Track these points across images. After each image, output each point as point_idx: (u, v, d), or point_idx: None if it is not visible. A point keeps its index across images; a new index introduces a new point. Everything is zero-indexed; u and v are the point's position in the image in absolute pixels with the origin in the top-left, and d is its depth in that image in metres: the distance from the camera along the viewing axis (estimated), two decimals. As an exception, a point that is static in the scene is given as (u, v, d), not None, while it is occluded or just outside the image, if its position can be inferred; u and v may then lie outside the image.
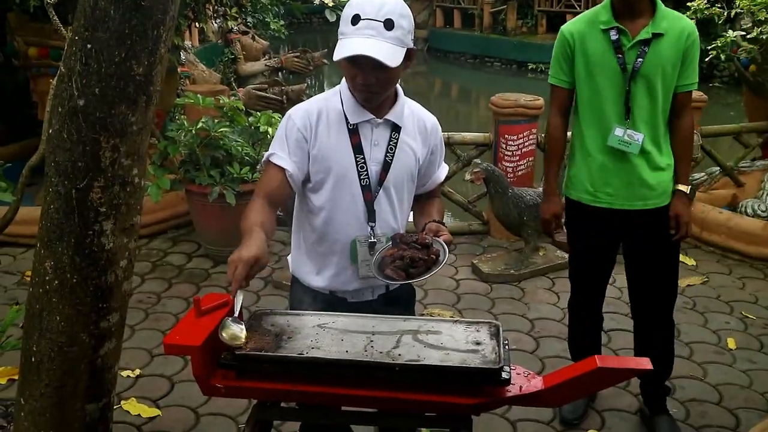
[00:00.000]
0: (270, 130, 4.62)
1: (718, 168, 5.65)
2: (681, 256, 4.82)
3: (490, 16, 17.97)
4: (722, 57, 5.60)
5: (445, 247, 1.91)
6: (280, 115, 4.92)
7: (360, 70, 1.86)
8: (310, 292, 2.14)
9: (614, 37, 2.61)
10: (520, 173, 5.02)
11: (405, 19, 1.86)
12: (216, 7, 6.03)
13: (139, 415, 3.10)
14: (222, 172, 4.48)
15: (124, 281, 1.75)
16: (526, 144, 4.98)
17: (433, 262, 1.87)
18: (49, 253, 1.64)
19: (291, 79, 13.17)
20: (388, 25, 1.81)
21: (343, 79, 2.02)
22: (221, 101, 4.75)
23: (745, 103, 6.08)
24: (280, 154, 1.96)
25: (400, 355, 1.68)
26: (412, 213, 2.24)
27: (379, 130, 2.01)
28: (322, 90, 15.92)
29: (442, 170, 2.23)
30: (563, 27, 2.80)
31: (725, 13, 5.61)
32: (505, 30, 17.62)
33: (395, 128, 2.02)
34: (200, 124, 4.46)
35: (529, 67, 16.75)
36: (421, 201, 2.22)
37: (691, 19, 5.79)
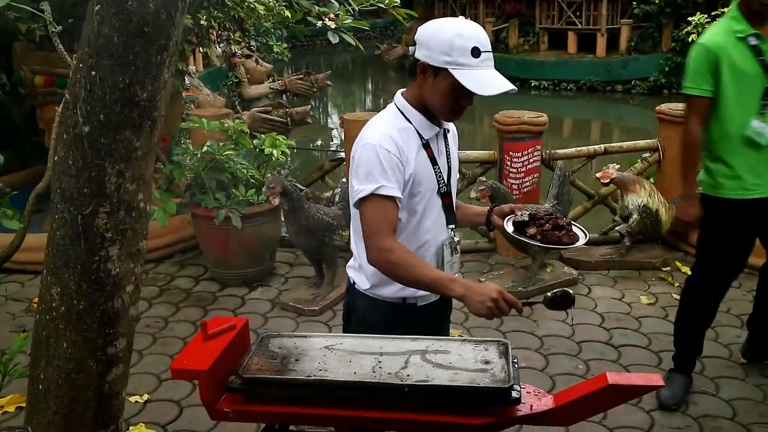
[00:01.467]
0: (275, 152, 4.64)
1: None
2: (689, 269, 4.82)
3: (492, 34, 18.06)
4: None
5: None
6: (284, 137, 4.95)
7: (468, 98, 1.98)
8: (377, 303, 2.16)
9: (753, 43, 2.93)
10: (525, 190, 5.01)
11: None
12: (219, 32, 6.08)
13: (147, 440, 3.08)
14: (228, 195, 4.49)
15: (131, 306, 1.75)
16: (531, 161, 4.98)
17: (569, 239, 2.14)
18: (56, 279, 1.64)
19: (295, 101, 13.25)
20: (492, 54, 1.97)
21: (399, 98, 2.10)
22: (226, 124, 4.77)
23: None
24: (388, 184, 1.95)
25: (408, 375, 1.67)
26: None
27: (440, 140, 2.15)
28: (326, 111, 16.04)
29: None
30: (703, 41, 3.06)
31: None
32: (507, 48, 17.71)
33: (444, 136, 2.17)
34: (205, 148, 4.48)
35: (532, 84, 16.81)
36: None
37: (692, 33, 5.84)
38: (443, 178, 2.12)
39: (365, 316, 2.20)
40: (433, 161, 2.09)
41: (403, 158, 1.99)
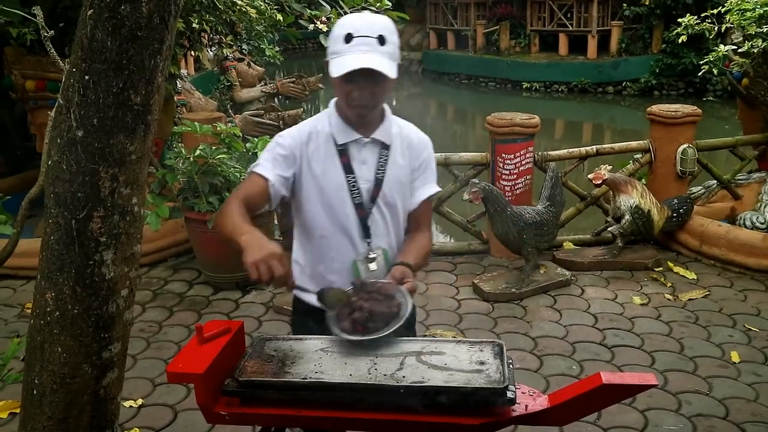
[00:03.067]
0: (268, 155, 4.64)
1: (716, 181, 5.68)
2: (682, 269, 4.85)
3: (483, 36, 18.12)
4: (715, 71, 5.64)
5: (408, 298, 1.87)
6: (277, 141, 4.94)
7: (356, 86, 1.90)
8: (312, 310, 2.12)
9: None
10: (518, 192, 5.03)
11: (394, 35, 1.93)
12: (211, 35, 6.08)
13: (142, 445, 3.07)
14: (221, 199, 4.48)
15: (126, 310, 1.74)
16: (524, 162, 5.00)
17: (394, 316, 1.83)
18: (50, 284, 1.64)
19: (287, 104, 13.26)
20: (381, 40, 1.88)
21: (331, 103, 2.07)
22: (218, 128, 4.77)
23: (739, 116, 6.12)
24: (265, 164, 1.99)
25: (404, 377, 1.67)
26: None
27: (367, 149, 2.04)
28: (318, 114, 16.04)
29: (426, 189, 2.16)
30: None
31: (716, 28, 5.65)
32: (499, 50, 17.76)
33: (384, 146, 2.06)
34: (198, 152, 4.47)
35: (524, 86, 16.87)
36: (409, 232, 2.20)
37: (682, 35, 5.87)
38: (358, 189, 2.02)
39: (295, 318, 2.19)
40: (348, 169, 2.02)
41: (298, 153, 2.01)
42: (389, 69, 1.87)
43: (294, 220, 2.16)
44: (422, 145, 2.16)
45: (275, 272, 1.70)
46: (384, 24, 1.91)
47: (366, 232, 2.05)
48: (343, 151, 2.02)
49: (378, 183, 2.04)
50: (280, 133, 2.07)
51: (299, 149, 2.01)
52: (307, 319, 2.09)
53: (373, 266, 2.06)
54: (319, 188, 2.02)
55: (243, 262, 1.71)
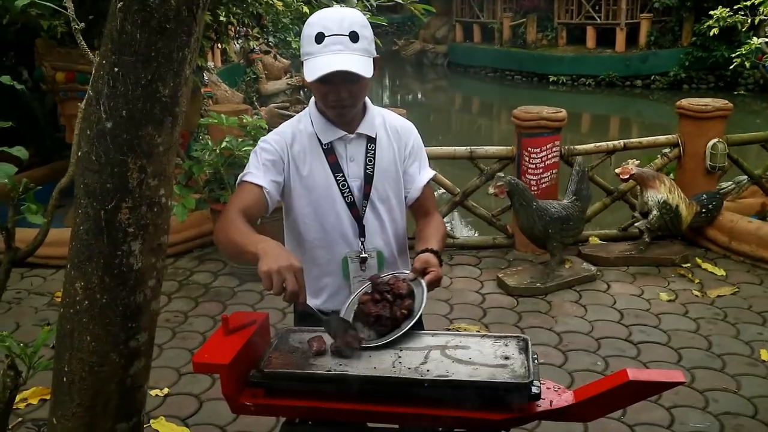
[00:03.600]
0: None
1: (746, 177, 5.58)
2: (710, 266, 4.79)
3: (510, 29, 17.99)
4: (747, 64, 5.55)
5: (424, 294, 1.83)
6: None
7: (331, 87, 1.87)
8: (311, 311, 2.12)
9: None
10: (543, 186, 4.99)
11: (366, 29, 1.88)
12: (238, 28, 6.11)
13: (168, 433, 3.11)
14: (246, 191, 4.51)
15: (153, 301, 1.76)
16: (550, 156, 4.96)
17: (404, 318, 1.80)
18: (79, 273, 1.65)
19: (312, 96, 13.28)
20: (354, 37, 1.83)
21: (311, 101, 2.04)
22: (244, 120, 4.79)
23: (772, 110, 6.02)
24: (255, 173, 1.95)
25: (428, 370, 1.67)
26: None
27: (354, 146, 2.02)
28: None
29: (424, 174, 2.14)
30: None
31: (748, 21, 5.55)
32: (525, 43, 17.63)
33: (370, 140, 2.03)
34: (224, 144, 4.51)
35: (550, 80, 16.74)
36: (419, 220, 2.17)
37: (713, 27, 5.77)
38: (348, 188, 1.99)
39: (295, 318, 2.17)
40: (336, 168, 1.99)
41: (285, 156, 1.97)
42: (363, 68, 1.83)
43: (284, 225, 2.13)
44: (408, 131, 2.13)
45: (288, 286, 1.65)
46: (354, 18, 1.85)
47: (361, 231, 2.03)
48: (329, 150, 1.99)
49: (368, 179, 2.02)
50: (263, 138, 2.04)
51: (285, 152, 1.98)
52: (307, 321, 2.08)
53: (364, 267, 2.04)
54: (308, 190, 1.99)
55: (258, 270, 1.68)
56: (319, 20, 1.85)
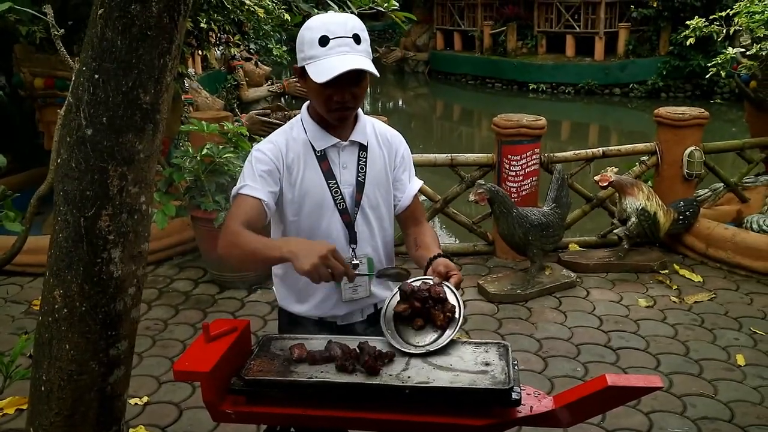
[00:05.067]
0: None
1: (722, 184, 5.66)
2: (688, 272, 4.84)
3: (491, 37, 18.10)
4: (723, 74, 5.63)
5: (458, 295, 1.87)
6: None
7: (336, 90, 1.87)
8: (298, 320, 2.12)
9: None
10: (524, 193, 5.02)
11: (365, 32, 1.90)
12: (219, 35, 6.09)
13: (147, 442, 3.09)
14: (227, 198, 4.49)
15: (133, 308, 1.75)
16: (530, 164, 4.99)
17: (449, 321, 1.82)
18: (58, 281, 1.65)
19: (294, 103, 13.27)
20: (357, 39, 1.85)
21: (304, 109, 2.05)
22: (225, 127, 4.78)
23: (747, 118, 6.11)
24: (253, 185, 1.92)
25: (409, 377, 1.68)
26: (405, 244, 2.23)
27: (346, 153, 2.02)
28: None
29: (414, 182, 2.18)
30: None
31: (724, 31, 5.64)
32: (506, 51, 17.74)
33: (362, 148, 2.04)
34: (205, 151, 4.49)
35: (530, 88, 16.85)
36: (409, 229, 2.19)
37: (690, 37, 5.86)
38: (341, 194, 2.00)
39: (282, 328, 2.17)
40: (329, 175, 1.99)
41: (280, 165, 1.96)
42: (372, 67, 1.85)
43: (272, 232, 2.13)
44: (397, 140, 2.16)
45: (336, 270, 1.69)
46: (355, 22, 1.88)
47: (352, 238, 2.03)
48: (322, 157, 1.99)
49: (360, 186, 2.03)
50: (257, 147, 2.02)
51: (280, 161, 1.97)
52: (294, 329, 2.08)
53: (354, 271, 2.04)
54: (301, 197, 1.99)
55: (299, 271, 1.68)
56: (321, 24, 1.86)
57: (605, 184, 4.94)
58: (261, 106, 12.49)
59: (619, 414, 3.20)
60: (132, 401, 3.34)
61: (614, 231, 5.20)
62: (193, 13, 5.00)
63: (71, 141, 1.59)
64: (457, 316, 1.83)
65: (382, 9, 4.90)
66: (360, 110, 2.05)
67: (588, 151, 5.38)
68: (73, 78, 1.63)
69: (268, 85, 13.71)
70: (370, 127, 2.09)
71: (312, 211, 2.00)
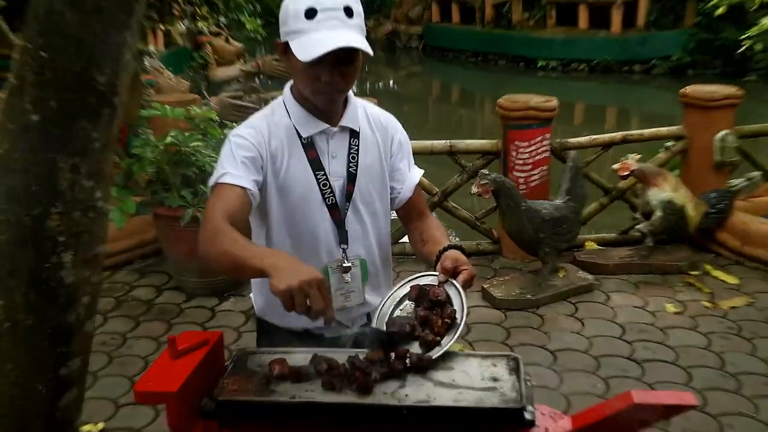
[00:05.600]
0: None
1: (759, 172, 5.69)
2: (722, 273, 4.86)
3: (493, 8, 18.14)
4: (757, 47, 5.66)
5: (463, 296, 1.84)
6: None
7: (325, 69, 1.84)
8: (280, 333, 2.11)
9: None
10: (533, 184, 5.04)
11: (358, 4, 1.87)
12: (183, 7, 6.06)
13: (105, 475, 3.08)
14: (195, 192, 4.48)
15: (87, 321, 1.74)
16: (540, 151, 5.00)
17: (448, 328, 1.80)
18: (0, 291, 1.63)
19: (270, 84, 13.24)
20: (348, 12, 1.82)
21: (286, 90, 2.03)
22: (192, 112, 4.76)
23: (786, 98, 6.14)
24: (235, 172, 1.88)
25: (407, 395, 1.67)
26: (410, 241, 2.23)
27: (336, 140, 2.01)
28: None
29: (415, 171, 2.18)
30: None
31: (759, -1, 5.67)
32: (510, 24, 17.79)
33: (353, 134, 2.03)
34: (169, 139, 4.47)
35: (539, 65, 16.90)
36: (413, 223, 2.19)
37: (720, 6, 5.88)
38: (330, 187, 1.99)
39: (262, 341, 2.16)
40: (316, 165, 1.98)
41: (264, 151, 1.93)
42: (366, 45, 1.83)
43: (254, 231, 2.11)
44: (393, 124, 2.15)
45: (314, 304, 1.60)
46: None
47: (342, 237, 2.02)
48: (309, 145, 1.97)
49: (351, 177, 2.02)
50: (235, 132, 1.98)
51: (263, 147, 1.94)
52: (275, 343, 2.06)
53: (347, 277, 2.04)
54: (286, 190, 1.97)
55: (273, 289, 1.60)
56: None
57: (626, 173, 4.96)
58: (233, 87, 12.45)
59: (644, 435, 3.21)
60: (86, 428, 3.32)
61: (637, 227, 5.23)
62: (153, -19, 4.98)
63: (14, 129, 1.58)
64: (458, 321, 1.82)
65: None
66: (350, 92, 2.03)
67: (605, 136, 5.40)
68: (17, 57, 1.61)
69: (241, 64, 13.68)
70: (362, 111, 2.08)
71: (298, 207, 1.99)
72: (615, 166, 5.03)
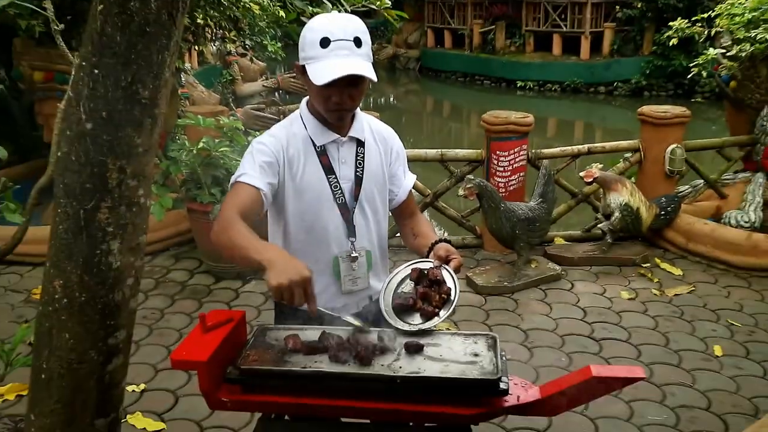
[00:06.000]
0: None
1: (702, 181, 5.69)
2: (669, 266, 4.87)
3: (480, 36, 18.08)
4: (704, 74, 5.65)
5: (456, 280, 1.90)
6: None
7: (336, 90, 1.85)
8: (295, 312, 2.08)
9: None
10: (511, 188, 5.03)
11: (366, 35, 1.88)
12: (215, 31, 6.04)
13: (144, 429, 3.08)
14: (223, 191, 4.48)
15: (131, 299, 1.74)
16: (517, 160, 5.00)
17: (444, 303, 1.86)
18: (59, 272, 1.63)
19: (287, 98, 13.20)
20: (358, 42, 1.83)
21: (303, 104, 2.04)
22: (221, 121, 4.76)
23: (727, 117, 6.13)
24: (252, 174, 1.89)
25: (401, 367, 1.68)
26: (402, 235, 2.26)
27: (345, 148, 2.02)
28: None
29: (409, 177, 2.20)
30: None
31: (706, 32, 5.66)
32: (495, 49, 17.73)
33: (360, 144, 2.04)
34: (201, 144, 4.46)
35: (518, 85, 16.85)
36: (405, 221, 2.22)
37: (673, 37, 5.87)
38: (340, 189, 2.00)
39: (281, 321, 2.12)
40: (329, 170, 1.99)
41: (281, 157, 1.94)
42: (371, 72, 1.84)
43: (271, 226, 2.11)
44: (392, 136, 2.17)
45: (297, 302, 1.62)
46: (357, 25, 1.86)
47: (351, 231, 2.03)
48: (322, 152, 1.99)
49: (358, 180, 2.03)
50: (258, 140, 1.99)
51: (281, 154, 1.95)
52: (287, 318, 2.06)
53: (355, 266, 2.05)
54: (302, 191, 1.98)
55: (267, 283, 1.62)
56: (322, 25, 1.84)
57: (590, 180, 4.96)
58: (256, 100, 12.41)
59: (601, 402, 3.21)
60: (130, 388, 3.33)
61: (598, 225, 5.23)
62: (190, 9, 4.96)
63: (71, 135, 1.58)
64: (452, 297, 1.87)
65: (374, 7, 4.89)
66: (357, 108, 2.04)
67: (574, 147, 5.39)
68: (73, 72, 1.61)
69: (263, 81, 13.63)
70: (366, 124, 2.09)
71: (312, 206, 1.99)
72: (581, 174, 5.03)
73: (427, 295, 1.88)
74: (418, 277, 1.94)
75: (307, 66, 1.85)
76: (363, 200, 2.05)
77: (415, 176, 2.24)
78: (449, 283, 1.91)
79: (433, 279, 1.90)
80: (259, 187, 1.88)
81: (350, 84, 1.85)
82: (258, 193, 1.88)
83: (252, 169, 1.91)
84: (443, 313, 1.85)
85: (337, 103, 1.88)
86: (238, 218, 1.80)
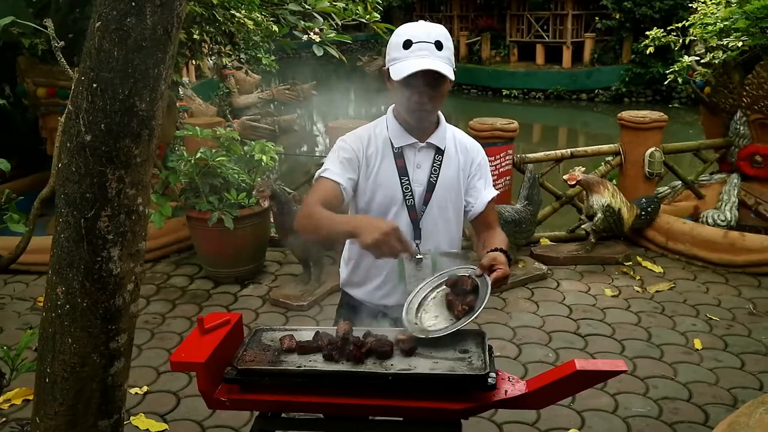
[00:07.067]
0: (264, 157, 4.63)
1: (680, 182, 5.71)
2: (650, 264, 4.88)
3: (466, 47, 18.14)
4: (680, 80, 5.68)
5: (489, 290, 1.81)
6: (273, 144, 4.93)
7: (415, 90, 1.87)
8: (356, 303, 2.14)
9: None
10: (498, 191, 5.02)
11: (449, 41, 1.90)
12: (211, 45, 6.04)
13: (147, 429, 3.06)
14: (220, 198, 4.47)
15: (132, 304, 1.73)
16: (503, 164, 5.01)
17: (465, 313, 1.79)
18: (61, 279, 1.62)
19: (282, 109, 13.21)
20: (439, 46, 1.85)
21: (390, 109, 2.05)
22: (218, 132, 4.75)
23: (702, 121, 6.17)
24: (334, 169, 1.95)
25: (392, 365, 1.68)
26: (474, 246, 2.22)
27: (422, 154, 2.02)
28: (312, 119, 16.00)
29: (489, 191, 2.15)
30: None
31: (681, 41, 5.69)
32: (480, 60, 17.79)
33: (438, 151, 2.03)
34: (199, 154, 4.45)
35: (504, 93, 16.90)
36: (482, 233, 2.17)
37: (650, 46, 5.90)
38: (411, 191, 1.99)
39: (343, 311, 2.18)
40: (403, 171, 1.99)
41: (360, 155, 1.98)
42: (448, 71, 1.85)
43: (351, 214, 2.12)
44: (476, 150, 2.13)
45: (396, 249, 1.69)
46: (440, 31, 1.89)
47: (416, 233, 2.02)
48: (399, 154, 2.00)
49: (431, 186, 2.02)
50: (342, 138, 2.04)
51: (361, 152, 1.99)
52: (352, 313, 2.09)
53: (420, 267, 2.02)
54: (374, 189, 1.99)
55: (362, 245, 1.69)
56: (406, 30, 1.89)
57: (573, 182, 4.97)
58: (252, 112, 12.42)
59: (587, 396, 3.22)
60: (132, 391, 3.31)
61: (582, 226, 5.24)
62: (186, 25, 4.96)
63: (71, 146, 1.57)
64: (475, 309, 1.79)
65: (364, 21, 4.89)
66: (443, 118, 2.05)
67: (557, 152, 5.40)
68: (73, 87, 1.61)
69: (258, 93, 13.64)
70: (450, 134, 2.08)
71: (382, 204, 2.00)
72: (565, 177, 5.04)
73: (452, 303, 1.84)
74: (453, 283, 1.89)
75: (390, 67, 1.88)
76: (434, 205, 2.03)
77: (497, 192, 2.19)
78: (480, 294, 1.82)
79: (461, 288, 1.86)
80: (338, 182, 1.93)
81: (428, 85, 1.86)
82: (338, 187, 1.93)
83: (333, 165, 1.96)
84: (459, 323, 1.77)
85: (417, 102, 1.90)
86: (320, 207, 1.86)
